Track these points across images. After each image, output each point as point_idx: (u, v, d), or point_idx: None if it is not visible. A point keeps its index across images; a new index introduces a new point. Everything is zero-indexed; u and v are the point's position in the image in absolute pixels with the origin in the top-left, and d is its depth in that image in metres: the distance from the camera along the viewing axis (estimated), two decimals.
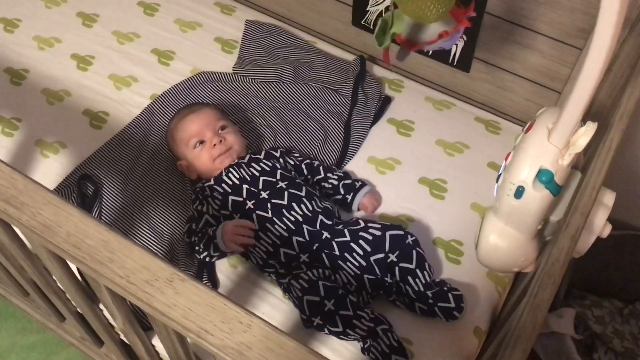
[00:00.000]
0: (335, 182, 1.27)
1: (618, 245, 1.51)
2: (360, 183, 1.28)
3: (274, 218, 1.15)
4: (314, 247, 1.13)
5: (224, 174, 1.22)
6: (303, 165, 1.29)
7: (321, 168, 1.29)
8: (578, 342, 1.46)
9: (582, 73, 0.75)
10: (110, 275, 0.71)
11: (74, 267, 0.90)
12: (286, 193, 1.18)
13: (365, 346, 1.06)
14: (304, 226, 1.14)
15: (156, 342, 1.13)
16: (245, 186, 1.19)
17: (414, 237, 1.15)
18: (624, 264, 1.57)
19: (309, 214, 1.16)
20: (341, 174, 1.30)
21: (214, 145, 1.23)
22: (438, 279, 1.18)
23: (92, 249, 0.73)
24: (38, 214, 0.76)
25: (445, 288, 1.12)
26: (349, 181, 1.28)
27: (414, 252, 1.13)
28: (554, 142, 0.84)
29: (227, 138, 1.25)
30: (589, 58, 0.73)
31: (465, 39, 1.37)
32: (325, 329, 1.06)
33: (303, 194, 1.19)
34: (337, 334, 1.06)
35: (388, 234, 1.13)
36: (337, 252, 1.13)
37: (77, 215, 0.75)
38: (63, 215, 0.75)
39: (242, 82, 1.52)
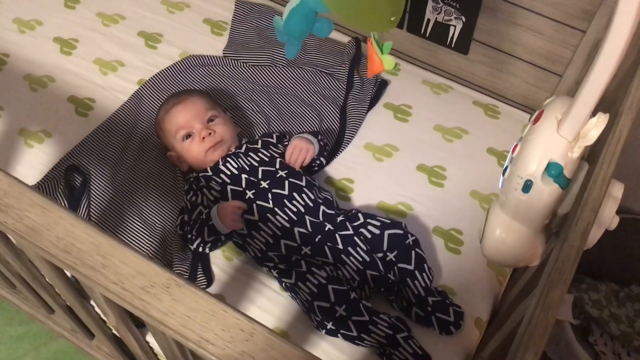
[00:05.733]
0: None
1: (614, 228, 1.50)
2: (312, 132, 1.26)
3: (275, 208, 1.11)
4: (317, 239, 1.10)
5: (221, 163, 1.18)
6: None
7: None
8: (574, 326, 1.46)
9: (598, 60, 0.71)
10: (103, 281, 0.68)
11: None
12: (287, 182, 1.14)
13: (386, 352, 1.03)
14: (306, 217, 1.11)
15: (150, 338, 1.10)
16: (244, 176, 1.15)
17: (414, 237, 1.12)
18: (620, 247, 1.56)
19: (311, 204, 1.13)
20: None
21: (203, 138, 1.19)
22: (440, 288, 1.15)
23: (84, 253, 0.69)
24: (25, 216, 0.71)
25: (448, 301, 1.09)
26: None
27: (413, 252, 1.10)
28: (563, 134, 0.81)
29: (217, 130, 1.20)
30: (606, 44, 0.69)
31: (464, 20, 1.33)
32: (339, 334, 1.03)
33: (303, 183, 1.15)
34: (352, 339, 1.03)
35: (387, 232, 1.11)
36: (340, 246, 1.10)
37: (67, 217, 0.71)
38: (52, 218, 0.71)
39: (233, 66, 1.47)
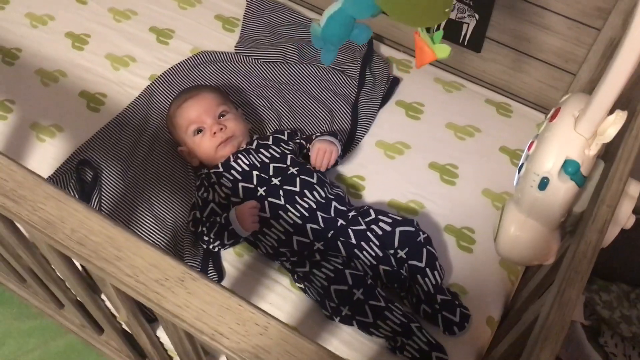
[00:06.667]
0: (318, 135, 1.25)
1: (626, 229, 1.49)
2: (331, 133, 1.25)
3: (287, 205, 1.11)
4: (329, 235, 1.10)
5: (232, 159, 1.17)
6: (302, 141, 1.26)
7: (313, 136, 1.26)
8: (584, 327, 1.45)
9: (617, 57, 0.71)
10: (117, 274, 0.67)
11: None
12: (298, 179, 1.14)
13: (397, 345, 1.03)
14: (318, 213, 1.11)
15: (161, 333, 1.10)
16: (255, 172, 1.15)
17: (425, 235, 1.11)
18: (632, 248, 1.55)
19: (322, 201, 1.13)
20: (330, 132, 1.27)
21: (214, 133, 1.19)
22: (448, 284, 1.15)
23: (98, 246, 0.69)
24: (39, 208, 0.71)
25: (457, 302, 1.09)
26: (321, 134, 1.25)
27: (425, 250, 1.09)
28: (580, 131, 0.80)
29: (228, 125, 1.20)
30: (627, 41, 0.69)
31: (477, 17, 1.33)
32: (354, 322, 1.02)
33: (315, 180, 1.15)
34: (367, 327, 1.02)
35: (398, 230, 1.10)
36: (353, 241, 1.09)
37: (81, 209, 0.71)
38: (66, 210, 0.71)
39: (244, 62, 1.47)
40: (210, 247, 1.11)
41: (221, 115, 1.21)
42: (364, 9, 0.93)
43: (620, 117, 0.78)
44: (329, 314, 1.05)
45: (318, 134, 1.25)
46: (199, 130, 1.20)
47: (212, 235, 1.09)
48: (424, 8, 0.84)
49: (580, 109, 0.81)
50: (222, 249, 1.14)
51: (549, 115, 0.86)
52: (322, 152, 1.19)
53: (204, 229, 1.10)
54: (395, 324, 1.01)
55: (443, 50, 0.92)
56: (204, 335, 0.64)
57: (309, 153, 1.22)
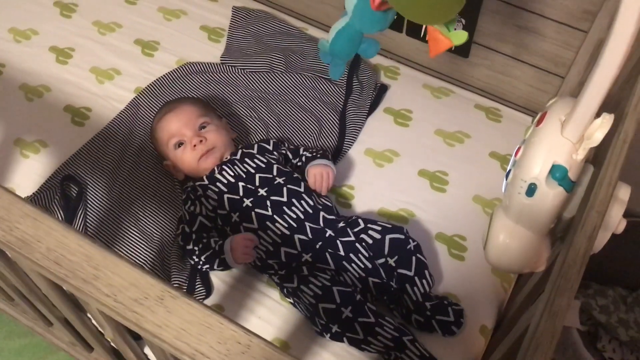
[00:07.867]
0: (308, 154, 1.22)
1: (621, 232, 1.47)
2: (321, 154, 1.22)
3: (275, 216, 1.10)
4: (317, 246, 1.08)
5: (216, 171, 1.16)
6: (288, 152, 1.24)
7: (301, 149, 1.24)
8: (582, 332, 1.43)
9: (601, 59, 0.69)
10: (95, 294, 0.66)
11: None
12: (285, 189, 1.12)
13: (391, 359, 1.01)
14: (306, 223, 1.09)
15: (148, 351, 1.08)
16: (241, 184, 1.13)
17: (415, 243, 1.10)
18: (627, 252, 1.53)
19: (310, 211, 1.11)
20: (318, 152, 1.24)
21: (194, 145, 1.17)
22: (440, 293, 1.13)
23: (75, 265, 0.67)
24: (15, 227, 0.69)
25: (446, 302, 1.07)
26: (311, 154, 1.22)
27: (414, 258, 1.08)
28: (567, 135, 0.78)
29: (209, 137, 1.18)
30: (610, 43, 0.67)
31: (463, 22, 1.32)
32: (344, 338, 1.01)
33: (302, 189, 1.14)
34: (358, 343, 1.01)
35: (388, 237, 1.09)
36: (342, 252, 1.08)
37: (58, 228, 0.69)
38: (42, 229, 0.69)
39: (230, 72, 1.45)
40: (199, 267, 1.10)
41: (202, 127, 1.20)
42: (371, 23, 0.93)
43: (607, 120, 0.76)
44: (319, 330, 1.03)
45: (307, 154, 1.22)
46: (180, 144, 1.19)
47: (203, 259, 1.08)
48: (439, 3, 0.82)
49: (566, 113, 0.80)
50: (211, 271, 1.13)
51: (536, 120, 0.85)
52: (319, 177, 1.17)
53: (196, 248, 1.08)
54: (387, 339, 0.99)
55: (460, 36, 0.90)
56: (184, 355, 0.62)
57: (306, 177, 1.19)
